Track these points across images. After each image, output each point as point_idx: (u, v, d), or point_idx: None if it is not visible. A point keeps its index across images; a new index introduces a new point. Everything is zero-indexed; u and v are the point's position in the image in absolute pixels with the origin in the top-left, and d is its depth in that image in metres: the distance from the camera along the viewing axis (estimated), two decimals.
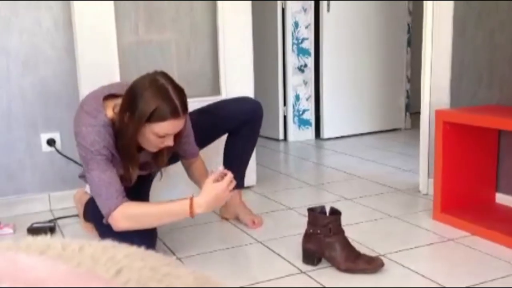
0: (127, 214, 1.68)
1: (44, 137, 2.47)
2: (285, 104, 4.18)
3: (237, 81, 2.71)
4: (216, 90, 2.71)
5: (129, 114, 1.63)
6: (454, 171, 2.24)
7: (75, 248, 0.49)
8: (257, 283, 1.71)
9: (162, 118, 1.60)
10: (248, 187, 2.83)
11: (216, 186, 1.68)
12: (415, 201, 2.55)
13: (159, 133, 1.63)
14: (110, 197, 1.67)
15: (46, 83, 2.44)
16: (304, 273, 1.78)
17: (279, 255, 1.93)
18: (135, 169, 1.78)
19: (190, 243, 2.07)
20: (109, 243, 0.53)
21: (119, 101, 1.70)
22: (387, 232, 2.13)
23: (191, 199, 1.67)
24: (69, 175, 2.51)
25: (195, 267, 1.77)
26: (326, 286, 1.67)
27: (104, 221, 1.71)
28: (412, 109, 5.14)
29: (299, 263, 1.85)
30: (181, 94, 1.65)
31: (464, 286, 1.65)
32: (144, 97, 1.59)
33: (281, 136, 4.22)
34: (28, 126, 2.44)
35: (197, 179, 2.10)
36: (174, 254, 1.95)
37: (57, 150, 2.48)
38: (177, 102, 1.61)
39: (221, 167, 1.77)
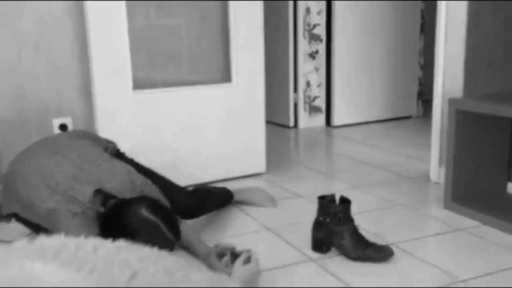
0: None
1: (56, 122, 2.49)
2: (295, 90, 4.16)
3: (248, 67, 2.69)
4: (227, 77, 2.70)
5: None
6: (465, 160, 2.22)
7: (89, 249, 0.49)
8: (266, 270, 1.72)
9: None
10: (258, 174, 2.83)
11: (247, 269, 1.53)
12: (425, 189, 2.53)
13: None
14: None
15: (58, 68, 2.45)
16: (313, 260, 1.78)
17: (288, 242, 1.94)
18: None
19: (200, 229, 2.08)
20: (122, 243, 0.53)
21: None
22: (397, 221, 2.13)
23: None
24: None
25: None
26: (335, 274, 1.68)
27: None
28: (424, 97, 5.10)
29: (309, 251, 1.85)
30: (171, 223, 1.55)
31: (474, 276, 1.65)
32: (140, 241, 1.52)
33: (292, 123, 4.21)
34: (40, 111, 2.46)
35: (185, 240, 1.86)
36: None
37: None
38: (171, 236, 1.53)
39: (246, 250, 1.61)
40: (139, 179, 1.71)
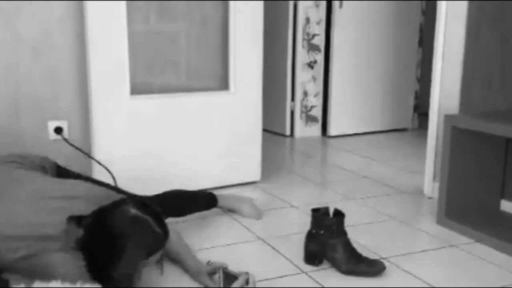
0: None
1: (52, 124, 2.48)
2: (293, 99, 4.17)
3: (246, 76, 2.70)
4: (224, 84, 2.71)
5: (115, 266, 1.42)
6: (460, 176, 2.23)
7: None
8: (258, 281, 1.71)
9: (153, 253, 1.47)
10: (253, 183, 2.83)
11: None
12: (419, 204, 2.54)
13: (151, 261, 1.51)
14: None
15: (55, 71, 2.44)
16: (305, 273, 1.78)
17: (280, 253, 1.93)
18: None
19: (193, 237, 2.07)
20: None
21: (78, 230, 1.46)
22: (390, 235, 2.13)
23: None
24: (76, 164, 2.52)
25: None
26: (326, 287, 1.68)
27: None
28: (420, 109, 5.12)
29: (301, 262, 1.85)
30: (159, 219, 1.48)
31: None
32: (133, 244, 1.41)
33: (288, 132, 4.21)
34: (36, 113, 2.45)
35: (174, 256, 1.81)
36: None
37: (65, 139, 2.49)
38: (160, 231, 1.46)
39: (246, 274, 1.58)
40: (101, 190, 1.61)
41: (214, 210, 2.39)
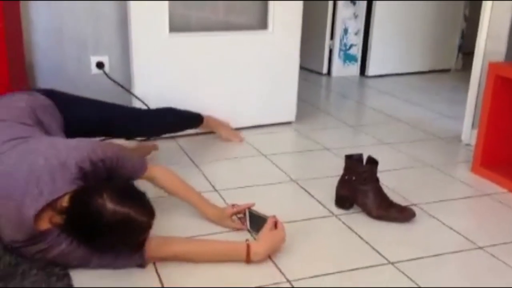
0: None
1: (94, 59, 2.53)
2: (332, 37, 4.06)
3: (285, 15, 2.64)
4: (263, 23, 2.66)
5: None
6: (499, 126, 2.18)
7: None
8: (288, 222, 1.76)
9: (143, 235, 1.40)
10: (287, 123, 2.85)
11: (274, 235, 1.55)
12: (455, 151, 2.51)
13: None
14: None
15: (96, 5, 2.46)
16: (336, 216, 1.83)
17: (312, 195, 1.99)
18: None
19: (228, 177, 2.14)
20: None
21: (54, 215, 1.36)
22: (423, 182, 2.14)
23: (248, 246, 1.49)
24: (116, 98, 2.59)
25: (231, 200, 1.82)
26: (356, 231, 1.73)
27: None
28: (465, 49, 4.90)
29: (332, 205, 1.90)
30: (141, 202, 1.36)
31: (493, 243, 1.67)
32: (117, 239, 1.35)
33: (325, 70, 4.15)
34: (79, 47, 2.50)
35: (176, 194, 1.72)
36: (213, 186, 2.04)
37: (106, 73, 2.55)
38: (144, 218, 1.35)
39: (272, 216, 1.60)
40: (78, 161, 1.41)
41: (248, 151, 2.44)
